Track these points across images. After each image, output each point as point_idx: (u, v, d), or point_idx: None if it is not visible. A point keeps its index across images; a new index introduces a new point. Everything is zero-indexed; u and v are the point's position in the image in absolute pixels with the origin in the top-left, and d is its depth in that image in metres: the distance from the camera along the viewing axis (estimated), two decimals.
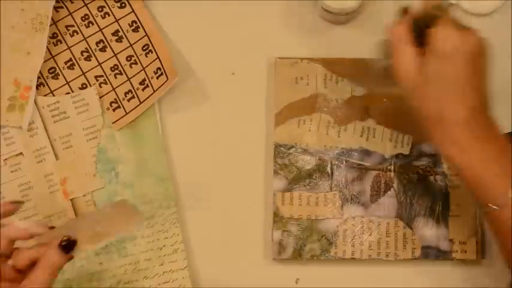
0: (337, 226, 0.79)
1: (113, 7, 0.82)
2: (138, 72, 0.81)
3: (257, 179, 0.82)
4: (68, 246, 0.64)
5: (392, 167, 0.80)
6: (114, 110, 0.81)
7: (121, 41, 0.82)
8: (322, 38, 0.83)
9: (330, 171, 0.80)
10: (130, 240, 0.79)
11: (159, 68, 0.80)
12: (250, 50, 0.83)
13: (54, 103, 0.81)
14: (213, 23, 0.84)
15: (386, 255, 0.79)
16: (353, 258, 0.79)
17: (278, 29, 0.84)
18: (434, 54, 0.64)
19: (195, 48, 0.84)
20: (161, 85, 0.80)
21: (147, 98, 0.80)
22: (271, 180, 0.80)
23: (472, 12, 0.83)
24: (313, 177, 0.80)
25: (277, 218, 0.79)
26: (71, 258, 0.66)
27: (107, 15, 0.82)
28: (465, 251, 0.78)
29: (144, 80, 0.81)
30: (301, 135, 0.81)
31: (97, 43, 0.82)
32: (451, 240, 0.78)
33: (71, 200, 0.80)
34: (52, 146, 0.80)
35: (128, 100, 0.81)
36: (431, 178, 0.80)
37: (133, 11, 0.82)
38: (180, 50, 0.84)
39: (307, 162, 0.80)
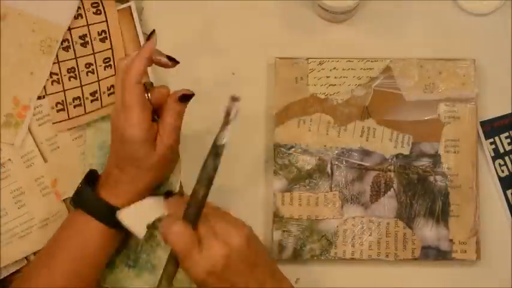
0: (337, 226, 0.79)
1: (88, 11, 0.82)
2: (92, 83, 0.81)
3: (257, 179, 0.82)
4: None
5: (392, 167, 0.80)
6: (58, 111, 0.81)
7: (85, 46, 0.82)
8: (322, 38, 0.84)
9: (330, 171, 0.80)
10: None
11: (112, 86, 0.80)
12: (250, 50, 0.83)
13: (38, 107, 0.81)
14: (213, 23, 0.84)
15: (386, 256, 0.79)
16: (353, 259, 0.79)
17: (278, 29, 0.84)
18: None
19: (195, 48, 0.84)
20: (109, 104, 0.79)
21: (93, 111, 0.80)
22: (271, 180, 0.80)
23: (472, 12, 0.83)
24: (313, 177, 0.80)
25: (277, 218, 0.79)
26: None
27: (79, 17, 0.82)
28: (465, 251, 0.78)
29: (95, 92, 0.80)
30: (301, 135, 0.81)
31: (62, 41, 0.82)
32: (451, 240, 0.78)
33: (64, 200, 0.80)
34: (39, 149, 0.81)
35: (74, 106, 0.81)
36: (431, 178, 0.80)
37: (106, 21, 0.82)
38: (180, 50, 0.84)
39: (307, 162, 0.80)
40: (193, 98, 0.83)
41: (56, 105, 0.81)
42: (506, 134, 0.81)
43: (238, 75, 0.83)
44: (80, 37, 0.82)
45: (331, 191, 0.80)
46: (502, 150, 0.81)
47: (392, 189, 0.80)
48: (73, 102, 0.80)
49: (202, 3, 0.84)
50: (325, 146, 0.81)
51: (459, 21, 0.83)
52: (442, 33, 0.83)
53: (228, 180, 0.82)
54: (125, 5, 0.83)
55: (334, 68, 0.81)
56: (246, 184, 0.82)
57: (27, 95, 0.80)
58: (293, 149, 0.81)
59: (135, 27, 0.83)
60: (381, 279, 0.80)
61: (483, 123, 0.81)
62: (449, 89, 0.81)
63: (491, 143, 0.81)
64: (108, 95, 0.80)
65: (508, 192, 0.80)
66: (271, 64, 0.82)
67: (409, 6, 0.83)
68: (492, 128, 0.81)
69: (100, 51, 0.81)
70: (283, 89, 0.81)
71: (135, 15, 0.83)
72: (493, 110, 0.81)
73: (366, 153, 0.80)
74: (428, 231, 0.79)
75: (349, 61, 0.82)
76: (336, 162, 0.80)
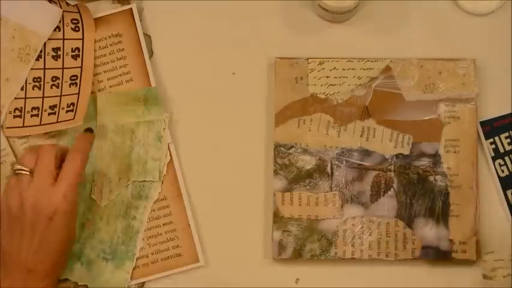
0: (337, 226, 0.79)
1: (67, 25, 0.81)
2: (54, 96, 0.81)
3: (257, 179, 0.82)
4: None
5: (392, 167, 0.80)
6: (14, 116, 0.80)
7: (56, 60, 0.81)
8: (322, 38, 0.84)
9: (330, 171, 0.80)
10: None
11: (72, 104, 0.80)
12: (250, 50, 0.83)
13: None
14: (213, 23, 0.84)
15: (386, 255, 0.79)
16: (353, 258, 0.79)
17: (278, 29, 0.84)
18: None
19: (195, 48, 0.84)
20: (64, 120, 0.79)
21: (48, 124, 0.80)
22: (271, 180, 0.80)
23: (472, 12, 0.83)
24: (313, 177, 0.80)
25: (277, 218, 0.79)
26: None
27: (57, 29, 0.81)
28: (465, 251, 0.78)
29: (55, 106, 0.80)
30: (301, 135, 0.81)
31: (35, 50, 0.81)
32: (451, 240, 0.78)
33: None
34: (11, 147, 0.81)
35: (31, 116, 0.80)
36: (431, 178, 0.80)
37: (82, 39, 0.82)
38: (181, 50, 0.84)
39: (307, 162, 0.80)
40: (193, 98, 0.84)
41: (14, 111, 0.80)
42: (506, 134, 0.81)
43: (238, 75, 0.83)
44: (53, 49, 0.81)
45: (331, 190, 0.80)
46: (502, 150, 0.81)
47: (392, 189, 0.80)
48: (31, 111, 0.80)
49: (202, 3, 0.84)
50: (325, 146, 0.81)
51: (459, 21, 0.83)
52: (442, 33, 0.83)
53: (228, 180, 0.82)
54: (126, 7, 0.84)
55: (334, 68, 0.82)
56: (246, 184, 0.82)
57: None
58: (293, 149, 0.81)
59: (136, 28, 0.83)
60: (380, 279, 0.80)
61: (483, 123, 0.81)
62: (449, 89, 0.81)
63: (491, 143, 0.81)
64: (66, 111, 0.79)
65: (508, 192, 0.80)
66: (271, 64, 0.83)
67: (409, 6, 0.83)
68: (492, 128, 0.81)
69: (69, 68, 0.81)
70: (283, 89, 0.82)
71: (136, 17, 0.83)
72: (493, 110, 0.81)
73: (366, 153, 0.80)
74: (428, 231, 0.79)
75: (349, 61, 0.82)
76: (336, 162, 0.80)
